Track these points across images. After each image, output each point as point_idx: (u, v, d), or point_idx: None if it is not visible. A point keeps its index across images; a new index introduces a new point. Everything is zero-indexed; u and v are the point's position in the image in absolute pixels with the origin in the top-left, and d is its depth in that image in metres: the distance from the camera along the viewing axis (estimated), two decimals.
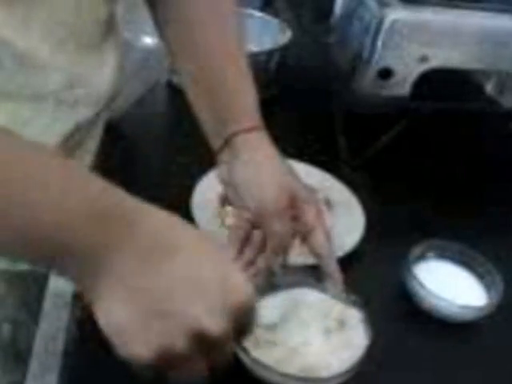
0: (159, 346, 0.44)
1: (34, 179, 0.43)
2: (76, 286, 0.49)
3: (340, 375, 0.58)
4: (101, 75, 0.67)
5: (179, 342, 0.44)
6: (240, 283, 0.48)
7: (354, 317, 0.64)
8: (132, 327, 0.45)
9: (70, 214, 0.43)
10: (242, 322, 0.49)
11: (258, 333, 0.60)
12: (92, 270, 0.44)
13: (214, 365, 0.49)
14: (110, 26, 0.68)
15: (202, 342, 0.45)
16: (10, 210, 0.42)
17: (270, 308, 0.64)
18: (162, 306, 0.45)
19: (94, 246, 0.44)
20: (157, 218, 0.47)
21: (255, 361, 0.58)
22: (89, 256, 0.44)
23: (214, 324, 0.45)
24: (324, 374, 0.59)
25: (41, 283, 0.69)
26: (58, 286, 0.67)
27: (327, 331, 0.63)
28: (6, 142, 0.44)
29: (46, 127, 0.62)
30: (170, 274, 0.45)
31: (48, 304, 0.66)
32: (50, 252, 0.44)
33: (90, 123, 0.69)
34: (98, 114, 0.69)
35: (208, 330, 0.45)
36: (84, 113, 0.66)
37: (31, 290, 0.74)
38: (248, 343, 0.58)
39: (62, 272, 0.47)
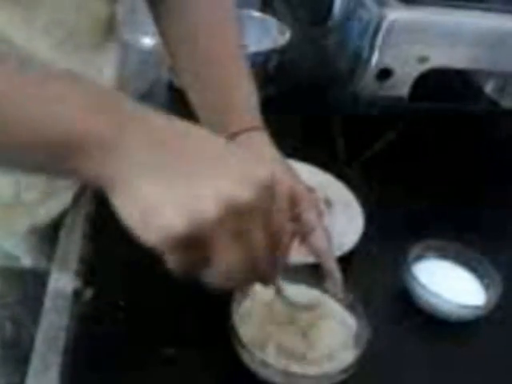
0: (189, 216, 0.42)
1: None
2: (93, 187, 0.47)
3: (340, 373, 0.59)
4: (101, 75, 0.67)
5: (211, 209, 0.42)
6: (260, 161, 0.47)
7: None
8: (158, 200, 0.43)
9: (80, 107, 0.43)
10: (273, 202, 0.47)
11: None
12: (108, 160, 0.43)
13: (253, 251, 0.46)
14: (110, 27, 0.68)
15: (233, 209, 0.43)
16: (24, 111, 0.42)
17: None
18: (188, 174, 0.43)
19: (106, 131, 0.43)
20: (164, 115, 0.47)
21: (257, 359, 0.58)
22: (102, 144, 0.43)
23: (243, 190, 0.43)
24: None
25: (41, 281, 0.69)
26: (59, 283, 0.68)
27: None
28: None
29: None
30: (188, 148, 0.44)
31: (48, 302, 0.66)
32: (65, 150, 0.43)
33: None
34: None
35: (238, 196, 0.43)
36: None
37: (32, 288, 0.75)
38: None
39: (78, 171, 0.45)
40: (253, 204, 0.44)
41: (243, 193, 0.43)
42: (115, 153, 0.43)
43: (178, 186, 0.43)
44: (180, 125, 0.46)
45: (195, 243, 0.44)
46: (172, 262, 0.45)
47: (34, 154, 0.44)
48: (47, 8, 0.57)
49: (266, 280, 0.51)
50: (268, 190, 0.45)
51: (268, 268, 0.49)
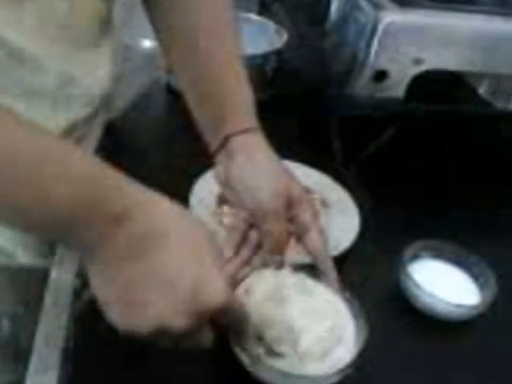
0: (132, 328, 0.49)
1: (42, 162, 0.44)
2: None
3: (336, 373, 0.59)
4: (96, 76, 0.68)
5: (145, 330, 0.48)
6: (213, 289, 0.49)
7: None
8: (114, 305, 0.49)
9: (68, 200, 0.44)
10: (223, 321, 0.54)
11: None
12: (88, 251, 0.48)
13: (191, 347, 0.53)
14: (105, 28, 0.68)
15: (164, 333, 0.48)
16: (18, 189, 0.43)
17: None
18: (136, 296, 0.48)
19: (90, 231, 0.46)
20: (152, 206, 0.50)
21: (255, 360, 0.59)
22: (86, 239, 0.46)
23: (180, 322, 0.48)
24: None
25: (41, 280, 0.69)
26: (58, 283, 0.68)
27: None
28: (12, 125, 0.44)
29: (42, 125, 0.62)
30: (150, 267, 0.48)
31: (48, 300, 0.66)
32: (55, 229, 0.46)
33: (87, 122, 0.69)
34: (94, 113, 0.70)
35: (170, 327, 0.48)
36: (80, 112, 0.67)
37: (31, 287, 0.75)
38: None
39: (68, 246, 0.52)
40: (189, 329, 0.49)
41: (180, 323, 0.48)
42: (91, 252, 0.47)
43: (126, 302, 0.48)
44: (163, 226, 0.50)
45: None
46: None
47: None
48: (38, 4, 0.57)
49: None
50: (208, 315, 0.50)
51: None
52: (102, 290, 0.49)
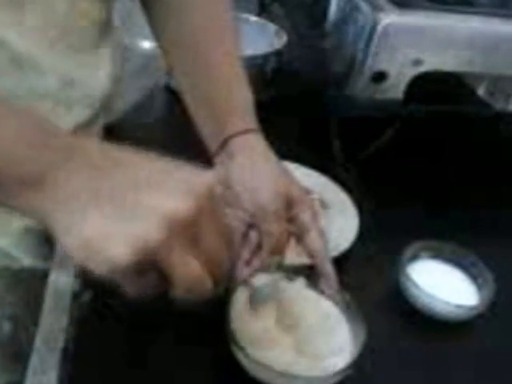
0: (133, 242, 0.42)
1: None
2: (41, 224, 0.47)
3: (336, 374, 0.59)
4: (96, 78, 0.68)
5: (152, 232, 0.42)
6: (197, 170, 0.47)
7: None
8: (99, 233, 0.42)
9: (14, 143, 0.43)
10: (214, 211, 0.47)
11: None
12: (43, 195, 0.43)
13: (209, 267, 0.46)
14: (106, 30, 0.68)
15: (175, 225, 0.43)
16: None
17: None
18: (125, 203, 0.43)
19: (39, 168, 0.43)
20: (108, 145, 0.47)
21: (253, 360, 0.59)
22: (36, 180, 0.43)
23: (180, 203, 0.43)
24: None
25: (41, 282, 0.69)
26: (58, 285, 0.68)
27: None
28: None
29: None
30: (124, 176, 0.44)
31: (48, 302, 0.66)
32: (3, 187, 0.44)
33: (88, 124, 0.69)
34: (95, 116, 0.70)
35: (178, 208, 0.43)
36: (81, 114, 0.67)
37: (31, 289, 0.75)
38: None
39: (19, 206, 0.45)
40: (193, 213, 0.43)
41: (181, 205, 0.43)
42: (48, 189, 0.43)
43: (118, 215, 0.42)
44: (115, 153, 0.46)
45: (148, 266, 0.43)
46: (130, 288, 0.45)
47: None
48: (38, 8, 0.57)
49: (228, 277, 0.51)
50: (206, 195, 0.45)
51: (227, 265, 0.49)
52: (79, 224, 0.43)
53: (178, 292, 0.45)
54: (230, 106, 0.71)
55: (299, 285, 0.68)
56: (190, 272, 0.45)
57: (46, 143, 0.44)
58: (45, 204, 0.43)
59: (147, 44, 1.10)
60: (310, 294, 0.67)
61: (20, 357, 0.68)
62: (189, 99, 0.74)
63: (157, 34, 0.75)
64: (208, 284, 0.46)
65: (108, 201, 0.43)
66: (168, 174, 0.46)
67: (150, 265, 0.43)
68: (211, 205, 0.46)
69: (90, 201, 0.43)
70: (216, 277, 0.47)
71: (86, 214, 0.43)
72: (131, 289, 0.45)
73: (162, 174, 0.45)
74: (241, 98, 0.72)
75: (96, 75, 0.67)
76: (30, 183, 0.43)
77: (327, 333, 0.64)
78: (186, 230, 0.44)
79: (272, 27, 1.19)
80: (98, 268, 0.43)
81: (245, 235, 0.69)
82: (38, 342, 0.62)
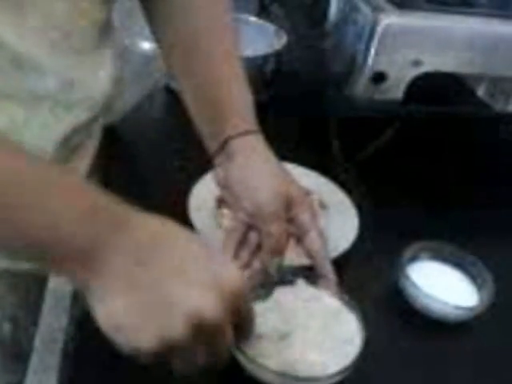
0: (159, 336, 0.45)
1: (30, 184, 0.45)
2: (74, 286, 0.51)
3: (336, 374, 0.59)
4: (97, 79, 0.68)
5: (178, 329, 0.45)
6: (232, 270, 0.49)
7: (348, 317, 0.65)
8: (131, 321, 0.46)
9: (64, 215, 0.45)
10: (239, 310, 0.50)
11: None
12: (88, 267, 0.46)
13: (215, 353, 0.50)
14: (106, 31, 0.68)
15: (200, 326, 0.46)
16: (7, 214, 0.44)
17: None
18: (159, 297, 0.46)
19: (89, 243, 0.45)
20: (149, 219, 0.49)
21: (253, 361, 0.59)
22: (84, 254, 0.45)
23: (210, 306, 0.46)
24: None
25: (41, 283, 0.70)
26: (58, 286, 0.68)
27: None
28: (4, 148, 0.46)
29: (44, 129, 0.62)
30: (165, 267, 0.47)
31: (48, 304, 0.66)
32: (47, 253, 0.46)
33: (88, 126, 0.69)
34: (95, 118, 0.70)
35: (205, 313, 0.46)
36: (81, 116, 0.67)
37: (31, 290, 0.75)
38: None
39: (61, 272, 0.48)
40: (218, 314, 0.47)
41: (209, 309, 0.46)
42: (94, 264, 0.45)
43: (150, 306, 0.46)
44: (154, 226, 0.49)
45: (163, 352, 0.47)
46: (143, 360, 0.48)
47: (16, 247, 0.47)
48: (39, 9, 0.57)
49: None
50: (233, 294, 0.48)
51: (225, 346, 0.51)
52: (112, 305, 0.46)
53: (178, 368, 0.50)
54: (230, 106, 0.72)
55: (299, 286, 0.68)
56: (194, 364, 0.50)
57: (94, 214, 0.46)
58: (86, 275, 0.46)
59: (147, 45, 1.10)
60: (310, 294, 0.67)
61: (20, 357, 0.69)
62: (189, 100, 0.74)
63: (157, 35, 0.75)
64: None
65: (144, 290, 0.46)
66: (203, 269, 0.48)
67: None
68: (236, 303, 0.49)
69: (129, 285, 0.46)
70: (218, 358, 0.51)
71: (122, 296, 0.46)
72: (144, 360, 0.48)
73: (198, 267, 0.48)
74: (241, 99, 0.72)
75: (96, 76, 0.67)
76: (78, 257, 0.46)
77: (328, 335, 0.64)
78: (207, 330, 0.47)
79: (272, 28, 1.19)
80: (121, 346, 0.47)
81: (244, 236, 0.69)
82: (38, 342, 0.62)
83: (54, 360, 0.61)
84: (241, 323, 0.53)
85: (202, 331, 0.46)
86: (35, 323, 0.64)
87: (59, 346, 0.62)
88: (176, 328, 0.45)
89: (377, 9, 0.87)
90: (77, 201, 0.46)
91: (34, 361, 0.61)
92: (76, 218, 0.45)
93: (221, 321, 0.47)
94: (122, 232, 0.46)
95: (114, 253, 0.46)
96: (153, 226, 0.49)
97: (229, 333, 0.50)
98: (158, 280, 0.46)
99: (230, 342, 0.50)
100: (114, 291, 0.46)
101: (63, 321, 0.65)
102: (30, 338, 0.63)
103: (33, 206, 0.45)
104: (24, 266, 0.74)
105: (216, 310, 0.46)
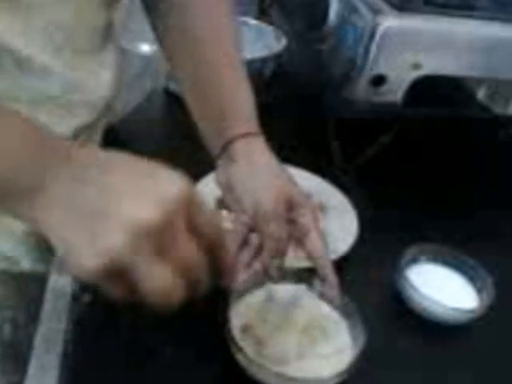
0: (101, 249, 0.43)
1: None
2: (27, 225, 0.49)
3: (334, 377, 0.59)
4: (98, 81, 0.68)
5: (117, 239, 0.43)
6: (171, 175, 0.46)
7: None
8: (75, 238, 0.44)
9: (9, 153, 0.44)
10: (196, 220, 0.47)
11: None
12: (33, 204, 0.45)
13: (184, 274, 0.46)
14: (108, 33, 0.68)
15: (141, 234, 0.43)
16: None
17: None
18: (95, 209, 0.44)
19: (32, 180, 0.44)
20: (98, 150, 0.49)
21: (253, 362, 0.59)
22: (28, 192, 0.44)
23: (148, 211, 0.43)
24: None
25: (40, 284, 0.70)
26: (58, 287, 0.68)
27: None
28: None
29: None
30: (102, 181, 0.45)
31: (47, 305, 0.66)
32: None
33: (89, 128, 0.70)
34: (96, 120, 0.70)
35: (142, 218, 0.43)
36: (82, 118, 0.67)
37: (31, 291, 0.75)
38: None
39: (11, 210, 0.47)
40: (159, 222, 0.43)
41: (147, 215, 0.43)
42: (38, 199, 0.44)
43: (89, 222, 0.44)
44: (105, 158, 0.47)
45: (120, 274, 0.44)
46: (110, 291, 0.45)
47: None
48: (45, 13, 0.57)
49: (203, 282, 0.49)
50: (178, 202, 0.45)
51: (202, 271, 0.48)
52: (55, 222, 0.45)
53: (150, 299, 0.45)
54: (232, 108, 0.72)
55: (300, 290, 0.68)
56: (157, 280, 0.44)
57: (39, 150, 0.45)
58: (34, 212, 0.45)
59: (146, 47, 1.10)
60: (310, 299, 0.67)
61: (20, 359, 0.68)
62: (190, 102, 0.74)
63: (159, 36, 0.75)
64: (178, 291, 0.46)
65: (81, 204, 0.44)
66: (142, 180, 0.46)
67: (121, 272, 0.44)
68: (185, 212, 0.46)
69: (68, 202, 0.44)
70: (192, 283, 0.47)
71: (64, 216, 0.44)
72: (111, 292, 0.45)
73: (137, 180, 0.46)
74: (242, 101, 0.72)
75: (98, 79, 0.67)
76: (22, 196, 0.45)
77: (328, 336, 0.64)
78: (153, 239, 0.43)
79: (271, 30, 1.20)
80: (77, 273, 0.44)
81: (245, 238, 0.69)
82: (37, 344, 0.62)
83: (53, 361, 0.61)
84: (206, 239, 0.48)
85: (148, 240, 0.43)
86: (35, 324, 0.64)
87: (59, 346, 0.62)
88: (114, 238, 0.42)
89: (376, 11, 0.87)
90: (22, 137, 0.45)
91: (34, 361, 0.61)
92: (19, 156, 0.44)
93: (164, 226, 0.44)
94: (64, 162, 0.45)
95: (54, 181, 0.44)
96: (99, 153, 0.48)
97: (189, 246, 0.46)
98: (96, 193, 0.44)
99: (196, 260, 0.47)
100: (57, 215, 0.44)
101: (63, 322, 0.65)
102: (30, 339, 0.63)
103: None
104: (23, 267, 0.74)
105: (155, 215, 0.43)
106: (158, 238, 0.44)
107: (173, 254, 0.45)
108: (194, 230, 0.47)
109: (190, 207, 0.46)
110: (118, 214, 0.43)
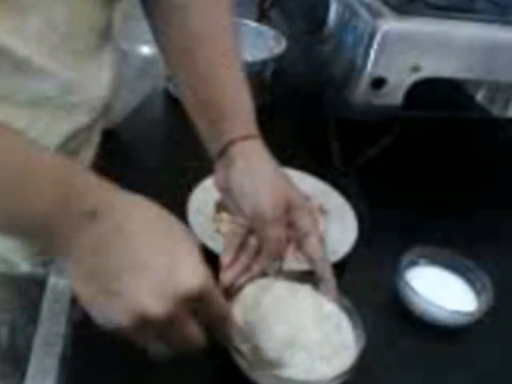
0: (113, 321, 0.48)
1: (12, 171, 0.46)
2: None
3: (333, 379, 0.59)
4: (97, 82, 0.68)
5: (124, 320, 0.47)
6: (188, 269, 0.49)
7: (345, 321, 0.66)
8: (92, 301, 0.48)
9: (37, 203, 0.47)
10: (205, 309, 0.51)
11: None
12: (63, 251, 0.49)
13: (182, 342, 0.51)
14: (106, 34, 0.68)
15: (144, 322, 0.47)
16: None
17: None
18: (111, 286, 0.47)
19: (59, 229, 0.48)
20: (120, 205, 0.50)
21: (252, 364, 0.59)
22: (56, 238, 0.48)
23: (155, 305, 0.47)
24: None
25: (39, 287, 0.69)
26: (57, 290, 0.68)
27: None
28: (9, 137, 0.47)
29: (44, 132, 0.62)
30: (121, 257, 0.48)
31: (46, 308, 0.66)
32: (31, 231, 0.49)
33: (88, 129, 0.69)
34: (95, 121, 0.70)
35: (149, 311, 0.46)
36: (81, 119, 0.67)
37: (30, 294, 0.75)
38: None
39: (44, 250, 0.53)
40: (165, 316, 0.47)
41: (154, 309, 0.47)
42: (63, 250, 0.49)
43: (104, 295, 0.48)
44: (128, 226, 0.50)
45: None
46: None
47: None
48: (39, 13, 0.57)
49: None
50: (185, 300, 0.48)
51: (200, 341, 0.52)
52: (80, 287, 0.49)
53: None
54: (230, 111, 0.71)
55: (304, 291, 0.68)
56: (156, 351, 0.51)
57: (65, 204, 0.48)
58: (58, 251, 0.50)
59: (146, 49, 1.10)
60: (312, 299, 0.67)
61: (19, 362, 0.69)
62: (189, 104, 0.74)
63: (157, 37, 0.75)
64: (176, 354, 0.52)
65: (99, 279, 0.48)
66: (161, 258, 0.49)
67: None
68: (194, 304, 0.49)
69: (87, 272, 0.49)
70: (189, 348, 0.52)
71: (83, 281, 0.49)
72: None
73: (156, 256, 0.49)
74: (241, 104, 0.72)
75: (97, 80, 0.67)
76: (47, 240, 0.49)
77: (328, 337, 0.64)
78: (155, 327, 0.48)
79: (271, 33, 1.20)
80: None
81: (244, 240, 0.69)
82: (36, 346, 0.62)
83: (52, 364, 0.61)
84: (212, 320, 0.53)
85: (148, 326, 0.48)
86: (34, 327, 0.64)
87: (58, 349, 0.62)
88: (120, 317, 0.47)
89: (376, 14, 0.87)
90: (51, 188, 0.47)
91: (33, 364, 0.60)
92: (47, 206, 0.47)
93: (167, 320, 0.47)
94: (89, 221, 0.48)
95: (76, 244, 0.48)
96: (120, 214, 0.50)
97: (190, 328, 0.50)
98: (111, 269, 0.48)
99: (194, 334, 0.51)
100: (77, 273, 0.49)
101: (61, 324, 0.65)
102: (29, 342, 0.63)
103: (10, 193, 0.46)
104: (22, 269, 0.74)
105: (161, 309, 0.47)
106: (160, 326, 0.48)
107: (173, 334, 0.50)
108: (199, 314, 0.51)
109: (201, 299, 0.50)
110: (129, 298, 0.47)
